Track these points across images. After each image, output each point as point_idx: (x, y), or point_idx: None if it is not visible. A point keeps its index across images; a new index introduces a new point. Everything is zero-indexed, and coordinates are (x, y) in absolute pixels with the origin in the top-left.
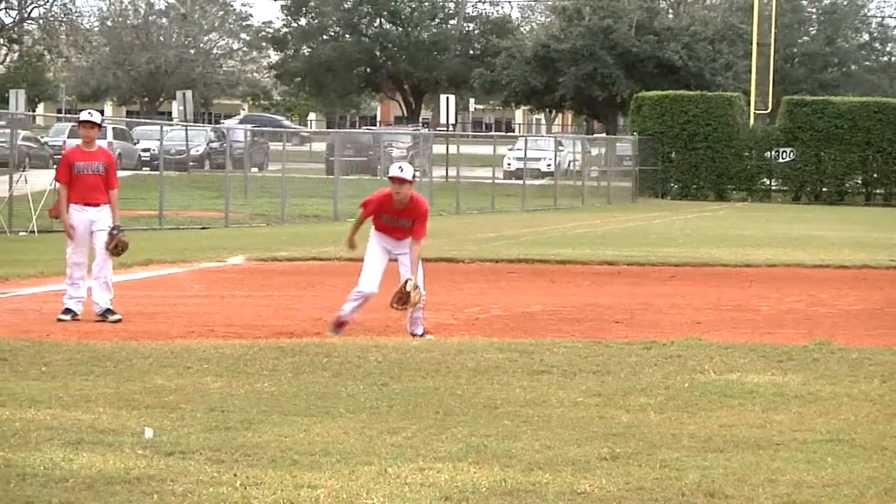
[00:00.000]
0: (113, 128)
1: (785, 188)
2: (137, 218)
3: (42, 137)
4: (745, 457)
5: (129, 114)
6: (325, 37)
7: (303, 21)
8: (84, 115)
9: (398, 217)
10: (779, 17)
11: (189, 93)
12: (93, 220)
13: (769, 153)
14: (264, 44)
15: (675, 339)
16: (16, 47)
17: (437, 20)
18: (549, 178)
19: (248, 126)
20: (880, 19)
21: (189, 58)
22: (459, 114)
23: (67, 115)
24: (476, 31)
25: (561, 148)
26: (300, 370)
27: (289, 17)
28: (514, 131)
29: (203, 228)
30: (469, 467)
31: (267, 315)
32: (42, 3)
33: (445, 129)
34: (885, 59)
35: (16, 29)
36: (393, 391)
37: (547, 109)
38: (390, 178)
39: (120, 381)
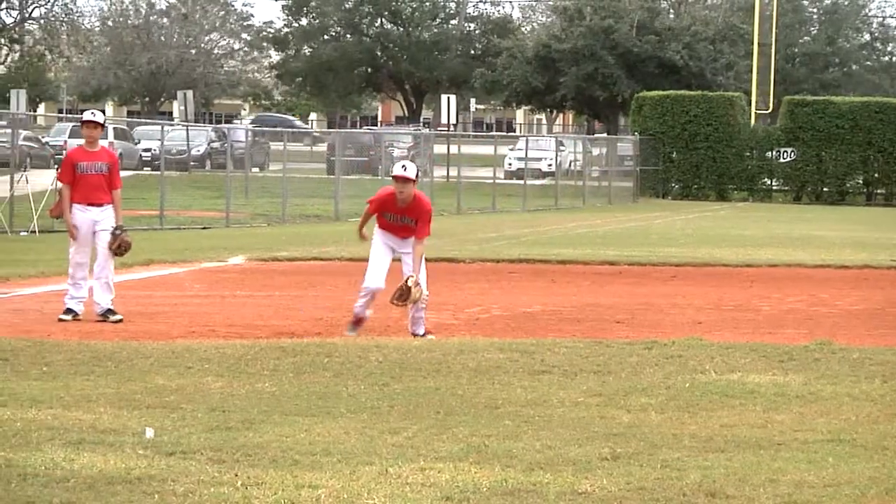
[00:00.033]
0: (114, 128)
1: (786, 188)
2: (138, 218)
3: (43, 137)
4: (746, 457)
5: (129, 114)
6: (326, 37)
7: (304, 21)
8: (87, 115)
9: (402, 216)
10: (780, 17)
11: (190, 93)
12: (96, 220)
13: (770, 153)
14: (265, 44)
15: (676, 339)
16: (17, 47)
17: (438, 20)
18: (550, 178)
19: (249, 126)
20: (881, 19)
21: (190, 58)
22: (460, 114)
23: (68, 115)
24: (477, 31)
25: (562, 148)
26: (301, 370)
27: (290, 17)
28: (515, 131)
29: (204, 228)
30: (470, 467)
31: (268, 315)
32: (43, 3)
33: (446, 129)
34: (886, 59)
35: (17, 29)
36: (394, 391)
37: (548, 109)
38: (393, 177)
39: (121, 381)
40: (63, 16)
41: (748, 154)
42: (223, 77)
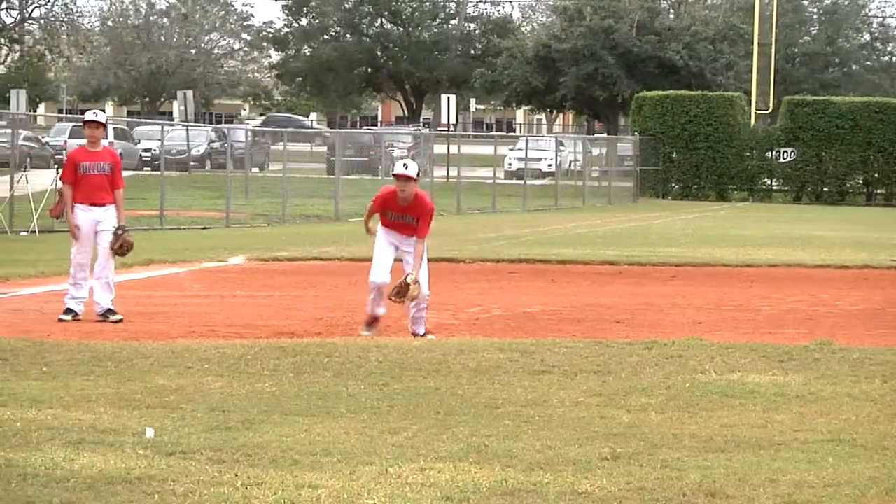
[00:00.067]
0: (114, 128)
1: (786, 188)
2: (138, 218)
3: (43, 137)
4: (746, 457)
5: (129, 114)
6: (326, 37)
7: (304, 21)
8: (89, 115)
9: (403, 214)
10: (780, 17)
11: (190, 93)
12: (99, 219)
13: (770, 153)
14: (265, 44)
15: (676, 339)
16: (17, 47)
17: (438, 20)
18: (550, 178)
19: (249, 126)
20: (881, 19)
21: (190, 58)
22: (460, 114)
23: (68, 115)
24: (477, 31)
25: (562, 148)
26: (301, 370)
27: (290, 17)
28: (514, 131)
29: (204, 228)
30: (470, 467)
31: (268, 315)
32: (43, 3)
33: (446, 129)
34: (886, 59)
35: (17, 29)
36: (394, 391)
37: (548, 109)
38: (395, 175)
39: (121, 381)
40: (63, 16)
41: (748, 154)
42: (223, 77)
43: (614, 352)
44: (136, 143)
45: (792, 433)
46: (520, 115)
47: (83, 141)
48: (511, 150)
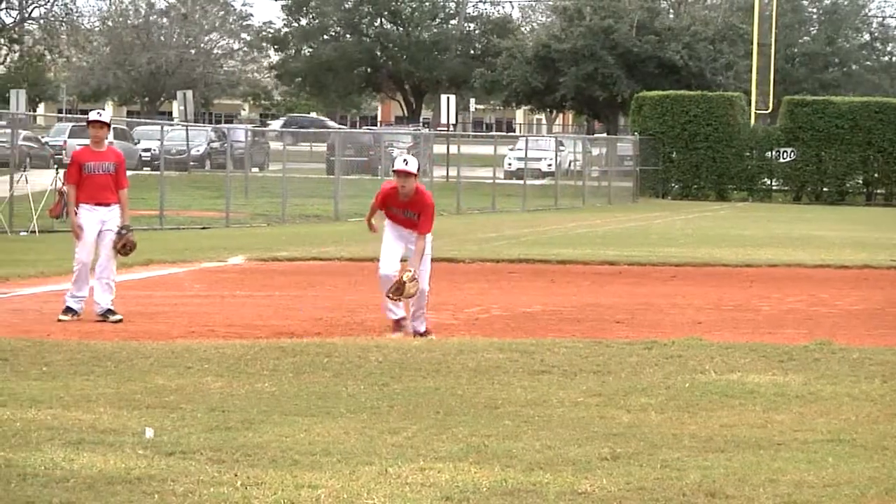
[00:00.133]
0: (114, 128)
1: (786, 188)
2: (138, 218)
3: (43, 137)
4: (746, 457)
5: (129, 114)
6: (325, 37)
7: (303, 21)
8: (93, 115)
9: (404, 210)
10: (779, 17)
11: (190, 93)
12: (104, 219)
13: (770, 153)
14: (265, 44)
15: (676, 339)
16: (16, 47)
17: (437, 20)
18: (549, 178)
19: (249, 126)
20: (881, 19)
21: (190, 58)
22: (460, 114)
23: (68, 115)
24: (477, 31)
25: (562, 148)
26: (301, 370)
27: (289, 17)
28: (514, 131)
29: (204, 228)
30: (470, 467)
31: (267, 315)
32: (43, 3)
33: (446, 128)
34: (886, 59)
35: (16, 29)
36: (394, 391)
37: (548, 109)
38: (395, 171)
39: (121, 381)
40: (63, 16)
41: (748, 154)
42: (223, 77)
43: (614, 352)
44: (135, 143)
45: (792, 433)
46: (519, 115)
47: (84, 141)
48: (511, 150)
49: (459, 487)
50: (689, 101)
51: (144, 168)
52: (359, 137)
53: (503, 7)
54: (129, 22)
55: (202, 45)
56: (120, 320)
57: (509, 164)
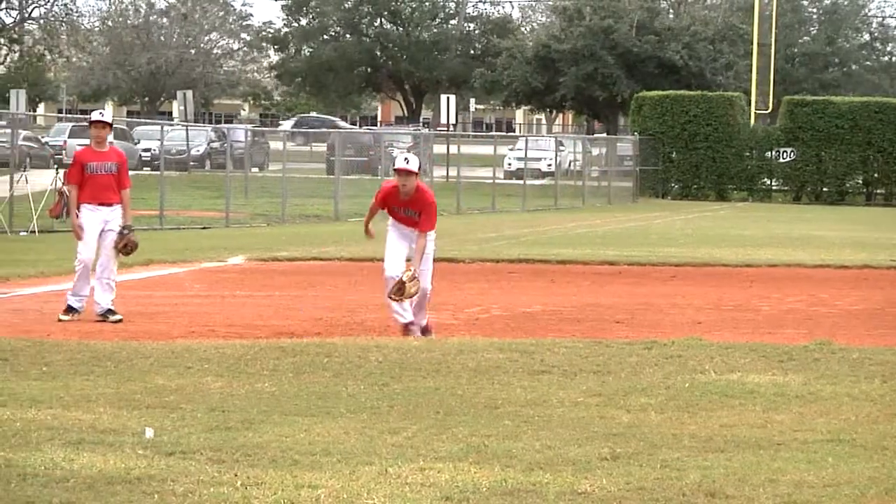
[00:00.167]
0: (114, 128)
1: (786, 188)
2: (138, 218)
3: (43, 137)
4: (745, 457)
5: (129, 114)
6: (325, 37)
7: (303, 21)
8: (95, 115)
9: (405, 208)
10: (779, 16)
11: (189, 93)
12: (107, 219)
13: (770, 153)
14: (265, 44)
15: (676, 339)
16: (16, 47)
17: (437, 20)
18: (549, 178)
19: (249, 126)
20: (881, 19)
21: (189, 58)
22: (460, 114)
23: (68, 115)
24: (477, 31)
25: (561, 148)
26: (301, 370)
27: (289, 17)
28: (514, 131)
29: (204, 228)
30: (470, 467)
31: (268, 315)
32: (43, 3)
33: (446, 129)
34: (886, 59)
35: (16, 29)
36: (393, 391)
37: (547, 109)
38: (396, 169)
39: (121, 381)
40: (62, 16)
41: (748, 154)
42: (223, 77)
43: (614, 352)
44: (135, 143)
45: (791, 433)
46: (519, 115)
47: (84, 141)
48: (511, 150)
49: (459, 487)
50: (689, 101)
51: (144, 168)
52: (359, 137)
53: (503, 7)
54: (128, 22)
55: (202, 45)
56: (120, 320)
57: (509, 164)
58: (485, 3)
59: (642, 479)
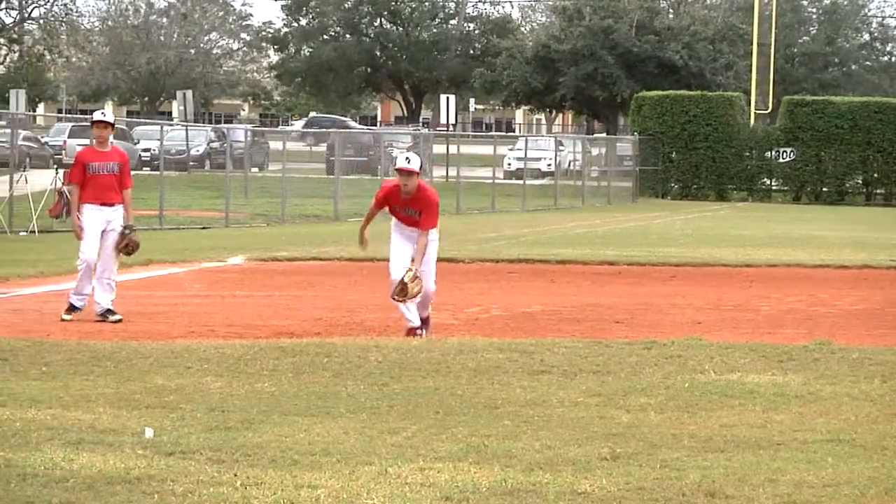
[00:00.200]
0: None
1: (785, 188)
2: (138, 218)
3: (42, 137)
4: (745, 457)
5: (129, 114)
6: (325, 37)
7: (303, 21)
8: (97, 115)
9: (406, 207)
10: (779, 16)
11: (189, 93)
12: (109, 219)
13: (769, 153)
14: (264, 44)
15: (676, 339)
16: (16, 47)
17: (437, 20)
18: (549, 178)
19: (248, 126)
20: (881, 19)
21: (189, 58)
22: (460, 114)
23: (68, 115)
24: (476, 31)
25: (561, 148)
26: (300, 370)
27: (289, 17)
28: (514, 131)
29: (203, 228)
30: (469, 467)
31: (267, 315)
32: (42, 3)
33: (446, 129)
34: (886, 58)
35: (16, 29)
36: (393, 391)
37: (547, 109)
38: (397, 169)
39: (120, 381)
40: (62, 16)
41: (747, 154)
42: (222, 77)
43: (613, 352)
44: (135, 143)
45: (791, 433)
46: (519, 115)
47: (84, 141)
48: (510, 150)
49: (459, 487)
50: (689, 101)
51: (144, 168)
52: (358, 137)
53: (503, 7)
54: (128, 22)
55: (202, 45)
56: (119, 320)
57: (509, 164)
58: (485, 3)
59: (642, 479)
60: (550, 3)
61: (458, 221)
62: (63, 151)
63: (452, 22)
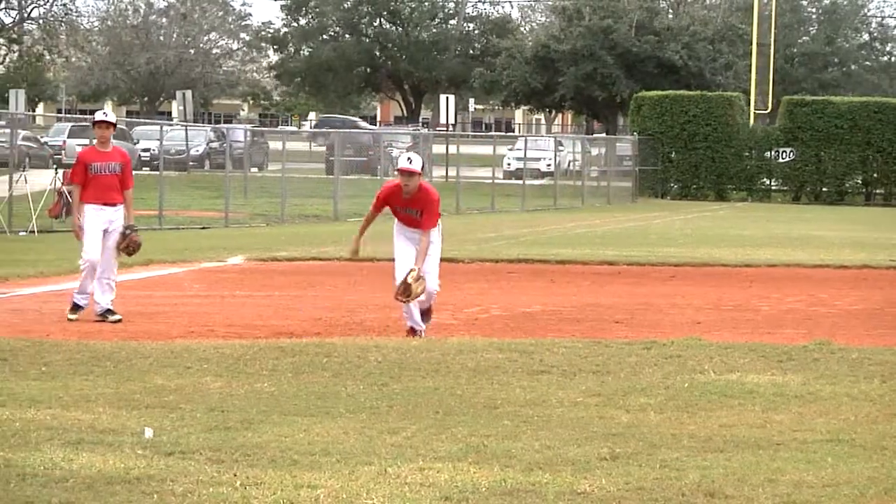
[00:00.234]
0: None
1: (785, 188)
2: (137, 218)
3: (42, 137)
4: (745, 457)
5: (128, 114)
6: (324, 37)
7: (302, 21)
8: (99, 115)
9: (407, 207)
10: (779, 16)
11: (189, 93)
12: (111, 219)
13: (769, 153)
14: (264, 44)
15: (675, 339)
16: (16, 47)
17: (437, 20)
18: (548, 178)
19: (248, 126)
20: (880, 19)
21: (189, 58)
22: (459, 114)
23: (67, 115)
24: (476, 31)
25: (561, 148)
26: (300, 370)
27: (288, 17)
28: (513, 131)
29: (203, 228)
30: (469, 467)
31: (267, 315)
32: (42, 3)
33: (445, 129)
34: (886, 58)
35: (16, 29)
36: (393, 391)
37: (547, 109)
38: (399, 170)
39: (120, 381)
40: (62, 16)
41: (747, 154)
42: (222, 77)
43: (613, 352)
44: (134, 143)
45: (791, 433)
46: (519, 115)
47: (83, 141)
48: (510, 150)
49: (458, 487)
50: (689, 101)
51: (143, 168)
52: (358, 137)
53: (502, 7)
54: (128, 22)
55: (201, 45)
56: (119, 320)
57: (508, 165)
58: (484, 3)
59: (641, 479)
60: (550, 3)
61: (457, 221)
62: (62, 151)
63: (452, 22)
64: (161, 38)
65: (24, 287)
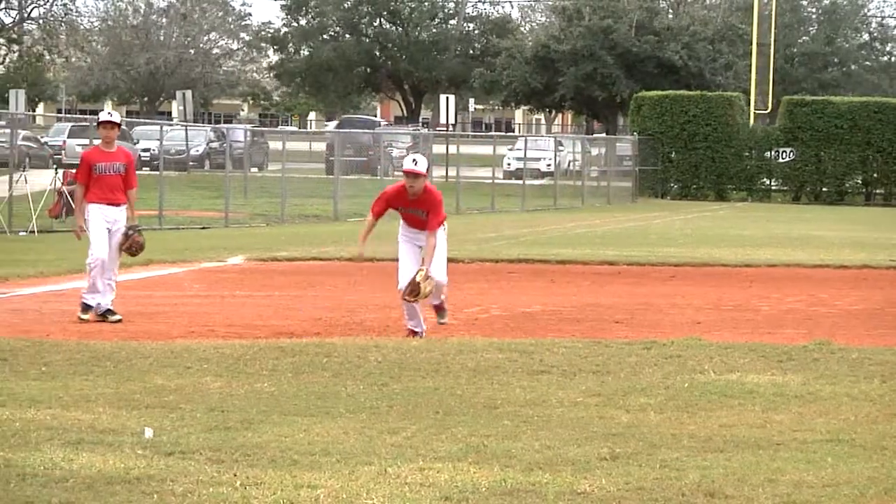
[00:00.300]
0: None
1: (785, 188)
2: (137, 218)
3: (42, 137)
4: (745, 457)
5: (128, 114)
6: (324, 37)
7: (302, 21)
8: (104, 116)
9: (412, 207)
10: (779, 16)
11: (189, 93)
12: (116, 219)
13: (769, 153)
14: (264, 44)
15: (675, 339)
16: (16, 47)
17: (436, 20)
18: (548, 178)
19: (248, 126)
20: (880, 19)
21: (189, 58)
22: (459, 114)
23: (67, 115)
24: (476, 31)
25: (561, 148)
26: (300, 370)
27: (288, 17)
28: (513, 131)
29: (203, 228)
30: (469, 467)
31: (267, 315)
32: (42, 3)
33: (445, 129)
34: (886, 58)
35: (16, 29)
36: (393, 391)
37: (547, 109)
38: (405, 171)
39: (120, 381)
40: (62, 16)
41: (747, 154)
42: (222, 77)
43: (613, 352)
44: (134, 143)
45: (791, 433)
46: (519, 115)
47: (84, 141)
48: (510, 150)
49: (458, 487)
50: (689, 101)
51: (144, 168)
52: (358, 137)
53: (502, 7)
54: (128, 22)
55: (201, 45)
56: (119, 320)
57: (508, 165)
58: (484, 3)
59: (641, 479)
60: (550, 3)
61: (457, 221)
62: (62, 151)
63: (452, 22)
64: (161, 38)
65: (24, 287)
